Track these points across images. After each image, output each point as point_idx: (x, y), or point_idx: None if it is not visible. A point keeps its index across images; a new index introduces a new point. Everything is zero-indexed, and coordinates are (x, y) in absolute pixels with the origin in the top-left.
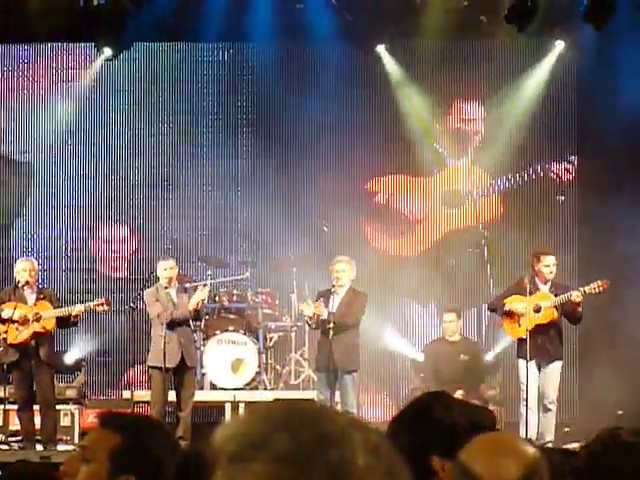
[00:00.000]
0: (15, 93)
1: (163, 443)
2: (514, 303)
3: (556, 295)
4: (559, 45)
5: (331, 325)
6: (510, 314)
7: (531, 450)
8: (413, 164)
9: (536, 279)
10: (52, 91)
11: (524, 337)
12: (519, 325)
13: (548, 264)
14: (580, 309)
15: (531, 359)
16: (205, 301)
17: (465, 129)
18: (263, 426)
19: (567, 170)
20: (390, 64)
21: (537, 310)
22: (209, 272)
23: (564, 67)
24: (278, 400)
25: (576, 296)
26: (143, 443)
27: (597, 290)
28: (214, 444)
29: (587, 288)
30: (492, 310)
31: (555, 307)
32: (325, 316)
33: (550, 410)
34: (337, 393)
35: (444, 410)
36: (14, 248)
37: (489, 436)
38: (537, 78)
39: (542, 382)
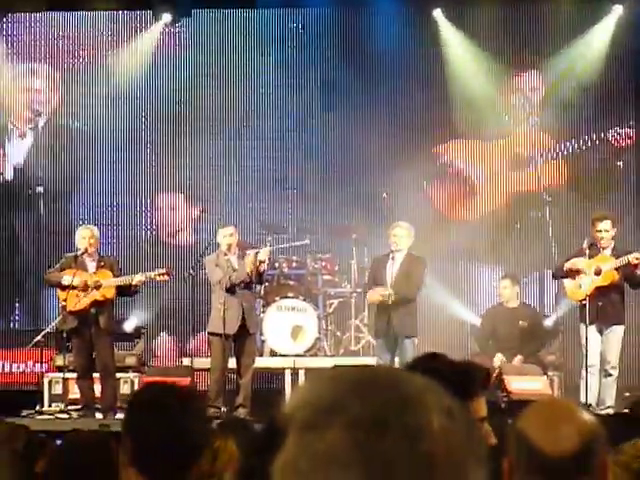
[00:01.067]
0: (73, 61)
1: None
2: (574, 261)
3: (617, 258)
4: (617, 9)
5: (389, 292)
6: (571, 275)
7: (589, 418)
8: (477, 129)
9: (596, 246)
10: (110, 59)
11: (584, 301)
12: (580, 287)
13: (600, 229)
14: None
15: (592, 323)
16: (266, 263)
17: (527, 94)
18: (335, 391)
19: (627, 135)
20: (448, 29)
21: (597, 273)
22: (269, 238)
23: (622, 31)
24: (348, 365)
25: (635, 257)
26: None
27: None
28: (284, 411)
29: None
30: (555, 277)
31: (616, 270)
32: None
33: (611, 375)
34: (396, 359)
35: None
36: (75, 215)
37: (546, 403)
38: (596, 42)
39: (604, 346)
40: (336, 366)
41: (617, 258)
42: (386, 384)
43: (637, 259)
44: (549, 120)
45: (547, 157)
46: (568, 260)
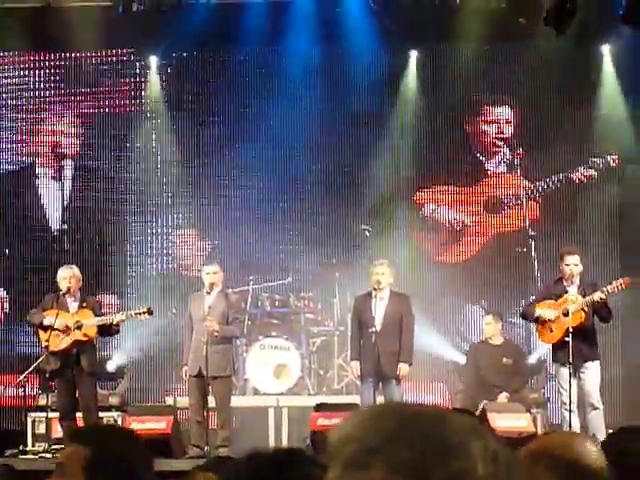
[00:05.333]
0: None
1: (134, 452)
2: (543, 310)
3: (584, 296)
4: (605, 49)
5: (374, 330)
6: (541, 321)
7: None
8: (454, 174)
9: (563, 281)
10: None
11: (557, 342)
12: (551, 331)
13: (569, 263)
14: (607, 309)
15: (567, 363)
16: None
17: (502, 134)
18: (380, 431)
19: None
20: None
21: (566, 314)
22: (251, 277)
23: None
24: (393, 403)
25: (599, 297)
26: (113, 453)
27: (619, 288)
28: (328, 446)
29: (609, 287)
30: (524, 318)
31: (583, 309)
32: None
33: (598, 408)
34: (380, 398)
35: None
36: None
37: (563, 433)
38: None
39: (583, 383)
40: (383, 403)
41: (584, 295)
42: (431, 426)
43: (601, 299)
44: (526, 160)
45: (524, 196)
46: (537, 300)
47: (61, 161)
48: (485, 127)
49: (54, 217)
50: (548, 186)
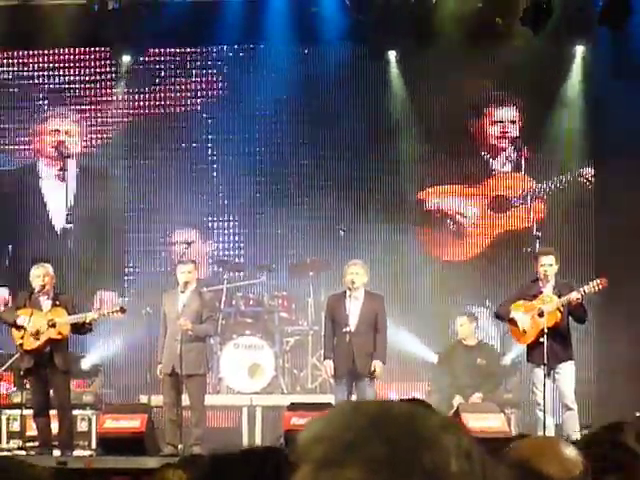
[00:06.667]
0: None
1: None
2: (516, 312)
3: (559, 296)
4: (579, 50)
5: (348, 329)
6: (515, 322)
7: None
8: (459, 173)
9: (539, 281)
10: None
11: (531, 343)
12: (525, 332)
13: (544, 264)
14: (583, 309)
15: (541, 364)
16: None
17: (506, 133)
18: (353, 428)
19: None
20: (397, 73)
21: (540, 314)
22: (225, 276)
23: (586, 71)
24: (363, 401)
25: (575, 298)
26: None
27: (596, 288)
28: (298, 446)
29: (586, 287)
30: (498, 317)
31: (558, 309)
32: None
33: (572, 409)
34: (353, 397)
35: None
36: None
37: (537, 439)
38: (568, 85)
39: (558, 384)
40: (352, 401)
41: (559, 295)
42: (404, 422)
43: (577, 299)
44: (530, 160)
45: (530, 196)
46: (512, 300)
47: (64, 160)
48: (489, 126)
49: (58, 216)
50: (555, 186)
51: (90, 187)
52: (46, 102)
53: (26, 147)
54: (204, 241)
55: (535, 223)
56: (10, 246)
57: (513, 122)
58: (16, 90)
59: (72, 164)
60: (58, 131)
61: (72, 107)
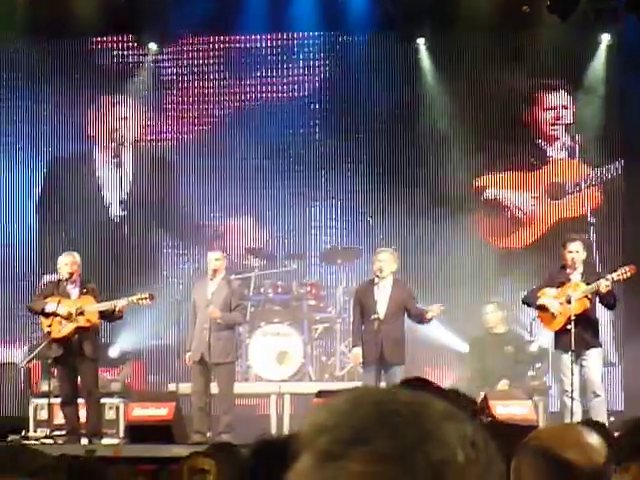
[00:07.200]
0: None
1: None
2: (545, 298)
3: (587, 284)
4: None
5: (377, 316)
6: (544, 308)
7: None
8: (515, 160)
9: (567, 268)
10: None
11: (559, 329)
12: (554, 317)
13: (572, 250)
14: (613, 296)
15: (569, 350)
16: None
17: (559, 120)
18: (357, 419)
19: None
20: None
21: (569, 301)
22: (256, 264)
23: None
24: (368, 389)
25: (604, 285)
26: None
27: (625, 275)
28: (302, 433)
29: (615, 275)
30: (526, 304)
31: (586, 296)
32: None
33: (599, 396)
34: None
35: None
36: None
37: (559, 426)
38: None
39: (585, 371)
40: (354, 388)
41: (587, 282)
42: (409, 413)
43: (607, 287)
44: (583, 146)
45: (586, 183)
46: (540, 287)
47: (120, 147)
48: (542, 113)
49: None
50: (610, 173)
51: (146, 175)
52: (102, 89)
53: (81, 133)
54: (240, 230)
55: (589, 210)
56: (64, 234)
57: (565, 107)
58: (76, 76)
59: (127, 151)
60: (115, 118)
61: (128, 94)
